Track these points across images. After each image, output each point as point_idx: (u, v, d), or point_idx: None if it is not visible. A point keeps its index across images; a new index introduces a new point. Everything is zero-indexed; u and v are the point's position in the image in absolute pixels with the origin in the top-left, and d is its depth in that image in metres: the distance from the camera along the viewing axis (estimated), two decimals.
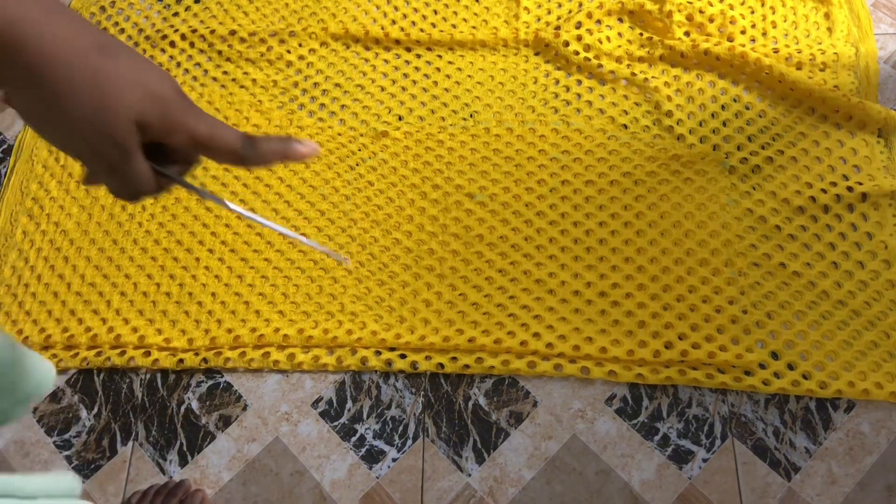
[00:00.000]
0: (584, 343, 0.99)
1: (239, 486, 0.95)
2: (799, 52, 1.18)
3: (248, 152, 0.35)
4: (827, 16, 1.22)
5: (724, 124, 1.14)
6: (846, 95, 1.11)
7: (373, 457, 0.96)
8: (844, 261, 1.02)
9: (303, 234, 0.41)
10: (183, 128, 0.32)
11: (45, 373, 0.52)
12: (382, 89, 1.23)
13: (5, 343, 0.48)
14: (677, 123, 1.14)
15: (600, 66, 1.20)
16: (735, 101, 1.16)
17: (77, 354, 1.04)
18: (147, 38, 1.31)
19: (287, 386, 1.01)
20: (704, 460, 0.93)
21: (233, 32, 1.29)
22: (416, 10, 1.30)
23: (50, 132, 0.31)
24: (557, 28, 1.24)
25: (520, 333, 1.00)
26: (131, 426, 1.00)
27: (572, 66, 1.22)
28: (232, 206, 0.39)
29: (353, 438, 0.97)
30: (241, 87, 1.25)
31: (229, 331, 1.03)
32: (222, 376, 1.02)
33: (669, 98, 1.16)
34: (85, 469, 0.98)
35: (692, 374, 0.96)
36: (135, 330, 1.04)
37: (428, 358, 1.00)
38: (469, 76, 1.22)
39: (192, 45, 1.29)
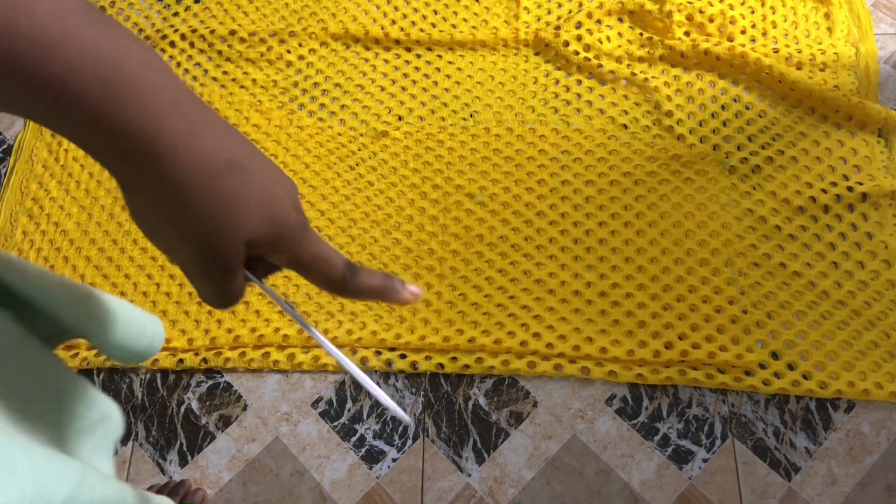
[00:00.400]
0: (584, 343, 0.99)
1: (239, 486, 0.95)
2: (799, 52, 1.18)
3: (347, 284, 0.33)
4: (827, 16, 1.22)
5: (725, 124, 1.14)
6: (846, 95, 1.11)
7: (373, 457, 0.96)
8: (844, 261, 1.02)
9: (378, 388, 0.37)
10: (290, 252, 0.32)
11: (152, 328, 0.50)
12: (382, 89, 1.23)
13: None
14: (677, 123, 1.14)
15: (600, 66, 1.20)
16: (735, 101, 1.16)
17: (77, 354, 1.04)
18: (147, 38, 1.31)
19: (287, 386, 1.01)
20: (704, 460, 0.93)
21: (233, 32, 1.29)
22: (416, 10, 1.30)
23: (159, 237, 0.30)
24: (557, 28, 1.24)
25: (520, 333, 1.00)
26: (131, 426, 1.00)
27: (572, 66, 1.21)
28: (314, 332, 0.36)
29: (353, 438, 0.97)
30: (241, 87, 1.25)
31: (229, 331, 1.03)
32: (222, 376, 1.02)
33: (669, 98, 1.16)
34: None
35: (692, 374, 0.96)
36: None
37: (428, 358, 1.00)
38: (469, 76, 1.22)
39: (192, 45, 1.29)
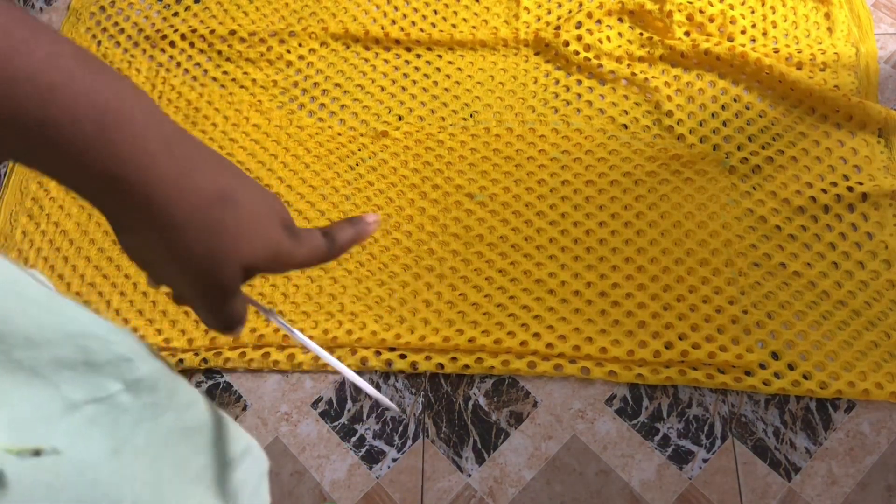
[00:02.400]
0: (584, 343, 0.99)
1: None
2: (799, 52, 1.18)
3: (332, 253, 0.35)
4: (827, 16, 1.22)
5: (725, 124, 1.14)
6: (846, 95, 1.11)
7: (373, 457, 0.96)
8: (845, 261, 1.02)
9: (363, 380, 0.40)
10: (286, 266, 0.33)
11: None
12: (382, 89, 1.23)
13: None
14: (677, 123, 1.14)
15: (600, 66, 1.20)
16: (735, 101, 1.16)
17: None
18: (147, 38, 1.31)
19: (287, 386, 1.01)
20: (704, 460, 0.93)
21: (233, 32, 1.29)
22: (416, 10, 1.30)
23: (155, 271, 0.31)
24: (557, 28, 1.24)
25: (520, 333, 1.00)
26: None
27: (572, 66, 1.21)
28: (298, 335, 0.38)
29: (353, 438, 0.97)
30: (241, 87, 1.25)
31: None
32: (222, 376, 1.02)
33: (669, 98, 1.16)
34: None
35: (692, 375, 0.96)
36: (134, 330, 1.04)
37: (428, 358, 1.00)
38: (469, 76, 1.22)
39: (192, 45, 1.29)
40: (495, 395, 0.98)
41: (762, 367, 0.96)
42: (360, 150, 1.17)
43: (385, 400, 0.38)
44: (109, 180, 0.26)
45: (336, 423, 0.98)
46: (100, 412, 0.31)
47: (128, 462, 0.33)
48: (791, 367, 0.96)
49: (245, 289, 1.10)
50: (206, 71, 1.27)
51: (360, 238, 0.36)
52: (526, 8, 1.28)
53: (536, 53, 1.24)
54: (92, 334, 0.31)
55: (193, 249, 0.28)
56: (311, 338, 1.00)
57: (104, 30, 1.33)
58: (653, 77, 1.18)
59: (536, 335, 0.99)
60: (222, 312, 0.32)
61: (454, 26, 1.27)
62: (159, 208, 0.27)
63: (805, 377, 0.95)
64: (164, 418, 0.36)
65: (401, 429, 0.97)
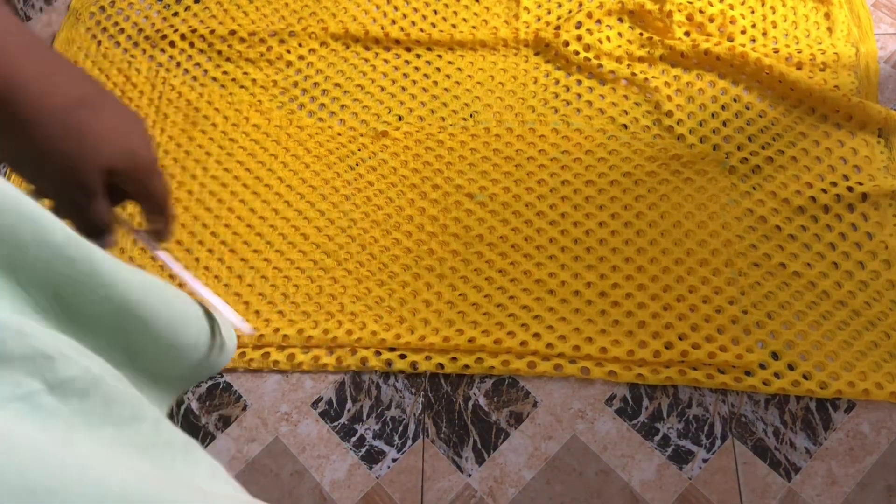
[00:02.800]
0: (584, 343, 0.99)
1: None
2: (799, 52, 1.18)
3: (172, 213, 0.40)
4: (827, 16, 1.22)
5: (725, 124, 1.14)
6: (846, 95, 1.11)
7: (373, 457, 0.96)
8: (845, 261, 1.02)
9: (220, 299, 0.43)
10: (145, 183, 0.36)
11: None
12: (382, 89, 1.23)
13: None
14: (677, 123, 1.14)
15: (600, 66, 1.20)
16: (735, 101, 1.16)
17: None
18: (147, 38, 1.31)
19: (287, 386, 1.01)
20: (704, 460, 0.93)
21: (233, 32, 1.29)
22: (416, 10, 1.30)
23: (24, 170, 0.34)
24: (557, 28, 1.24)
25: (520, 333, 1.00)
26: None
27: (572, 66, 1.21)
28: (163, 255, 0.44)
29: (353, 438, 0.97)
30: (241, 87, 1.25)
31: None
32: (222, 376, 1.02)
33: (669, 98, 1.16)
34: None
35: (692, 375, 0.96)
36: None
37: (428, 358, 1.00)
38: (469, 76, 1.22)
39: (192, 45, 1.29)
40: (495, 395, 0.98)
41: (762, 367, 0.96)
42: (360, 150, 1.17)
43: (237, 319, 0.42)
44: None
45: (336, 423, 0.98)
46: (26, 411, 0.28)
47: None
48: (791, 367, 0.96)
49: (245, 288, 1.09)
50: (206, 71, 1.27)
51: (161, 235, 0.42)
52: (526, 8, 1.28)
53: (536, 53, 1.24)
54: (3, 324, 0.28)
55: (56, 148, 0.31)
56: (309, 338, 1.00)
57: (104, 30, 1.33)
58: (653, 77, 1.18)
59: (536, 335, 0.99)
60: (85, 214, 0.35)
61: (454, 26, 1.27)
62: (21, 106, 0.29)
63: (805, 377, 0.95)
64: (103, 433, 0.31)
65: (401, 429, 0.97)
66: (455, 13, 1.29)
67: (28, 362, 0.29)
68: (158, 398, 0.43)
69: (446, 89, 1.21)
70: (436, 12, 1.29)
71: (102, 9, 1.35)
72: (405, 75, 1.24)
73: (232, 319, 0.41)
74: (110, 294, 0.35)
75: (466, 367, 0.99)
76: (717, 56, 1.18)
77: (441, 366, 0.99)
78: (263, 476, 0.95)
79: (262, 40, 1.27)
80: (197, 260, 1.09)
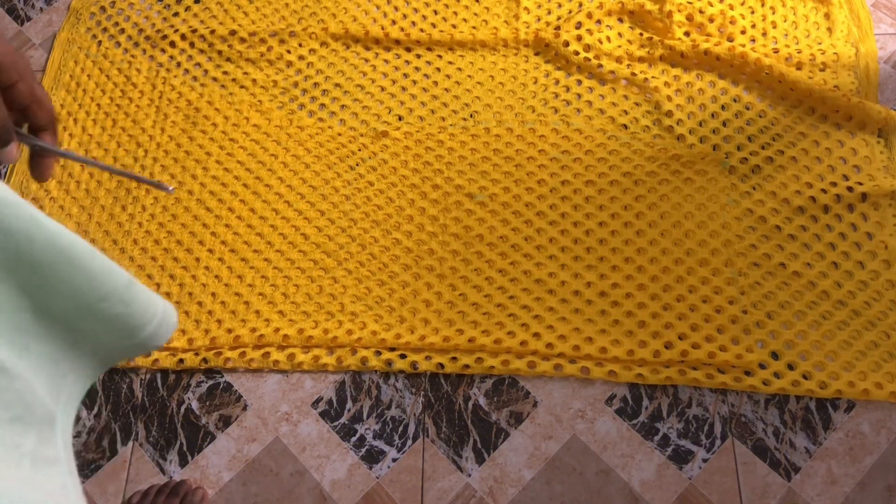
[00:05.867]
0: (584, 343, 0.99)
1: (239, 487, 0.95)
2: (799, 52, 1.18)
3: (56, 118, 0.43)
4: (827, 16, 1.22)
5: (724, 124, 1.14)
6: (846, 95, 1.11)
7: (373, 457, 0.96)
8: (844, 261, 1.02)
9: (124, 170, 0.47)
10: (27, 79, 0.40)
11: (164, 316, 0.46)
12: (382, 89, 1.23)
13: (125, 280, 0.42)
14: (677, 123, 1.14)
15: (600, 66, 1.20)
16: (735, 101, 1.16)
17: None
18: (147, 38, 1.31)
19: (287, 386, 1.01)
20: (704, 460, 0.93)
21: (233, 32, 1.29)
22: (416, 10, 1.30)
23: None
24: (557, 28, 1.24)
25: (520, 333, 1.00)
26: (131, 426, 1.00)
27: (572, 66, 1.21)
28: (70, 153, 0.48)
29: (353, 438, 0.97)
30: (241, 87, 1.25)
31: (229, 331, 1.03)
32: (222, 376, 1.02)
33: (669, 98, 1.16)
34: (85, 469, 0.98)
35: (692, 374, 0.96)
36: None
37: (428, 358, 1.00)
38: (469, 76, 1.22)
39: (192, 45, 1.29)
40: (495, 394, 0.98)
41: (762, 367, 0.96)
42: (360, 150, 1.17)
43: (156, 182, 0.46)
44: None
45: (336, 423, 0.98)
46: None
47: None
48: (791, 367, 0.96)
49: (246, 288, 1.09)
50: (206, 71, 1.27)
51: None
52: (526, 8, 1.28)
53: (536, 53, 1.24)
54: None
55: None
56: (309, 338, 1.00)
57: (104, 30, 1.33)
58: (653, 77, 1.18)
59: (536, 335, 0.99)
60: None
61: (454, 26, 1.27)
62: None
63: (805, 377, 0.95)
64: None
65: (401, 429, 0.97)
66: (455, 13, 1.29)
67: None
68: (81, 369, 0.41)
69: (446, 89, 1.21)
70: (436, 12, 1.29)
71: (103, 9, 1.35)
72: (405, 75, 1.24)
73: (151, 184, 0.47)
74: (38, 232, 0.36)
75: (466, 366, 0.99)
76: (717, 56, 1.18)
77: (441, 366, 0.99)
78: (263, 476, 0.95)
79: (263, 40, 1.28)
80: (197, 260, 1.09)
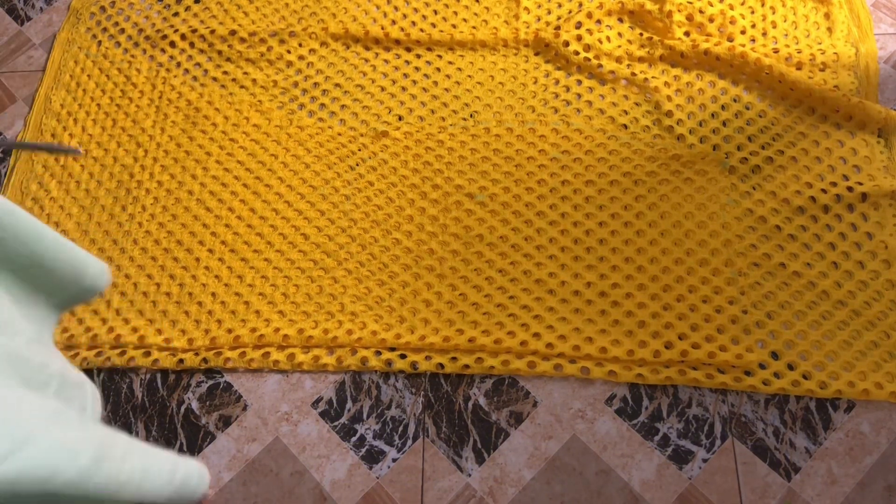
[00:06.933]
0: (584, 343, 0.99)
1: (239, 486, 0.95)
2: (799, 52, 1.18)
3: None
4: (827, 16, 1.22)
5: (724, 124, 1.14)
6: (846, 95, 1.11)
7: (373, 457, 0.96)
8: (844, 261, 1.02)
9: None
10: None
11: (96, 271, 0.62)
12: (382, 89, 1.23)
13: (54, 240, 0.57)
14: (677, 123, 1.14)
15: (600, 66, 1.20)
16: (735, 101, 1.16)
17: (77, 354, 1.04)
18: (147, 38, 1.31)
19: (287, 386, 1.01)
20: (704, 460, 0.93)
21: (233, 32, 1.29)
22: (416, 10, 1.30)
23: None
24: (557, 28, 1.24)
25: (520, 333, 1.00)
26: (131, 426, 1.00)
27: (572, 66, 1.21)
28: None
29: (353, 438, 0.97)
30: (241, 87, 1.25)
31: (229, 331, 1.03)
32: (222, 376, 1.02)
33: (669, 98, 1.16)
34: None
35: (692, 374, 0.96)
36: (135, 330, 1.04)
37: (428, 358, 1.00)
38: (469, 76, 1.22)
39: (192, 45, 1.29)
40: (495, 395, 0.98)
41: (762, 367, 0.96)
42: (360, 150, 1.17)
43: (59, 146, 0.51)
44: None
45: (336, 423, 0.98)
46: None
47: None
48: (791, 367, 0.96)
49: (246, 288, 1.09)
50: (206, 71, 1.27)
51: None
52: (526, 8, 1.28)
53: (536, 53, 1.24)
54: None
55: None
56: (309, 338, 1.00)
57: (104, 30, 1.33)
58: (653, 77, 1.18)
59: (536, 335, 0.99)
60: None
61: (454, 26, 1.27)
62: None
63: (805, 377, 0.95)
64: None
65: (401, 429, 0.97)
66: (455, 13, 1.29)
67: None
68: (42, 313, 0.58)
69: (446, 89, 1.21)
70: (436, 12, 1.29)
71: (103, 9, 1.35)
72: (405, 75, 1.24)
73: (59, 150, 0.55)
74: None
75: (466, 366, 0.99)
76: (717, 56, 1.18)
77: (441, 366, 0.99)
78: (263, 476, 0.95)
79: (263, 40, 1.28)
80: (197, 260, 1.09)
